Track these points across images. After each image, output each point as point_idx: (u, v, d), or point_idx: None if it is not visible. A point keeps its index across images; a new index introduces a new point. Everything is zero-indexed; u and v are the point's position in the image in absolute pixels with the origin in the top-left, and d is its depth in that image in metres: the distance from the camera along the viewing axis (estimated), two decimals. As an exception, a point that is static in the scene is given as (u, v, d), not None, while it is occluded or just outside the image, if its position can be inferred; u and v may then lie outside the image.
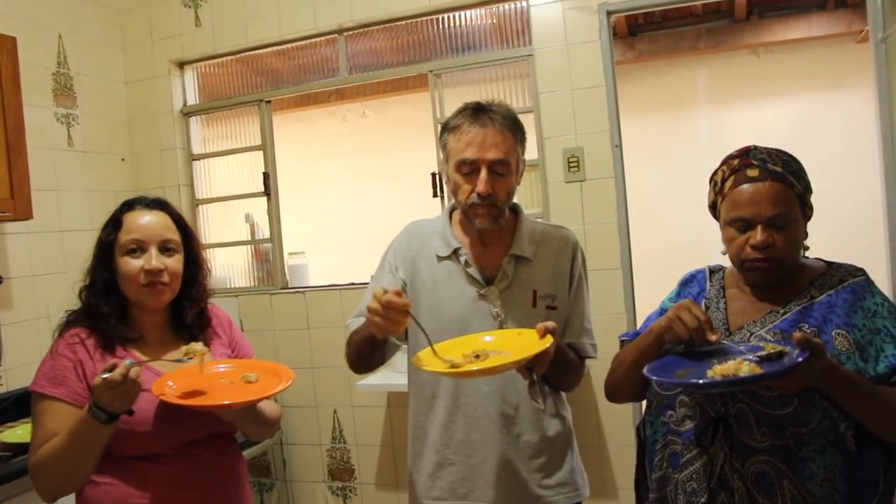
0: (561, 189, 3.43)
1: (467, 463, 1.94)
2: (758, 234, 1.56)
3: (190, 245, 1.90)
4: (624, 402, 1.87)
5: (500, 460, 1.92)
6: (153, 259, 1.77)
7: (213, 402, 1.67)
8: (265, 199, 4.05)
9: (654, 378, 1.51)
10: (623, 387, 1.80)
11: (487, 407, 1.93)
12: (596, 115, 3.37)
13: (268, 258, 4.11)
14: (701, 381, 1.41)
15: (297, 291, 3.95)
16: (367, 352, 1.92)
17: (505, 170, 1.87)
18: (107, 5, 4.05)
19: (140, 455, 1.72)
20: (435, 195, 3.69)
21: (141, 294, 1.78)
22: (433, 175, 3.68)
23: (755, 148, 1.65)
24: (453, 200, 2.00)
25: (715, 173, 1.71)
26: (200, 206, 4.20)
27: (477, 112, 1.90)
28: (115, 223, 1.82)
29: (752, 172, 1.59)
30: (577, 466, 2.05)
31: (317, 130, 5.98)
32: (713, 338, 1.52)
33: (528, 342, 1.67)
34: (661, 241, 4.83)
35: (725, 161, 1.69)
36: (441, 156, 2.01)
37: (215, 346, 1.94)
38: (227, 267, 4.22)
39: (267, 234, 4.08)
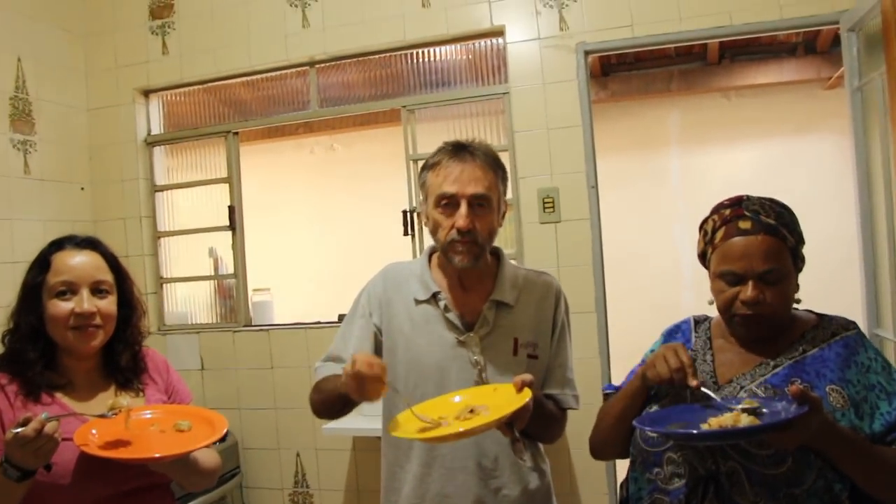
0: (535, 230, 3.38)
1: None
2: (748, 290, 1.50)
3: (123, 285, 1.81)
4: (610, 459, 1.79)
5: None
6: (84, 301, 1.68)
7: (139, 454, 1.56)
8: (230, 233, 3.95)
9: (645, 428, 1.46)
10: (610, 440, 1.71)
11: (464, 459, 1.83)
12: (572, 155, 3.33)
13: (231, 294, 4.00)
14: (696, 432, 1.36)
15: (261, 329, 3.84)
16: (337, 406, 1.83)
17: (486, 204, 1.81)
18: (70, 29, 3.95)
19: None
20: (406, 233, 3.61)
21: (70, 338, 1.68)
22: (404, 213, 3.60)
23: (748, 198, 1.60)
24: (432, 242, 1.94)
25: (705, 222, 1.66)
26: (162, 239, 4.07)
27: (457, 149, 1.85)
28: (42, 264, 1.73)
29: (745, 224, 1.54)
30: None
31: (283, 163, 5.89)
32: (693, 382, 1.47)
33: (505, 398, 1.59)
34: (631, 282, 4.81)
35: (716, 210, 1.64)
36: (420, 196, 1.95)
37: (150, 392, 1.84)
38: (189, 302, 4.09)
39: (231, 270, 3.97)
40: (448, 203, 1.81)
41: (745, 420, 1.32)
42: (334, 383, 1.76)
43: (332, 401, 1.81)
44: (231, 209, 3.92)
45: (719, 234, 1.58)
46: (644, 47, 3.36)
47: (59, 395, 1.69)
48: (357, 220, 5.59)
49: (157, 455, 1.56)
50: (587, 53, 3.33)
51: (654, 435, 1.54)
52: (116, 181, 4.01)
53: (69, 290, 1.69)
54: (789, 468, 1.39)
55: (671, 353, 1.52)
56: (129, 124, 4.01)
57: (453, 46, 3.63)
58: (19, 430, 1.41)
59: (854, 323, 1.59)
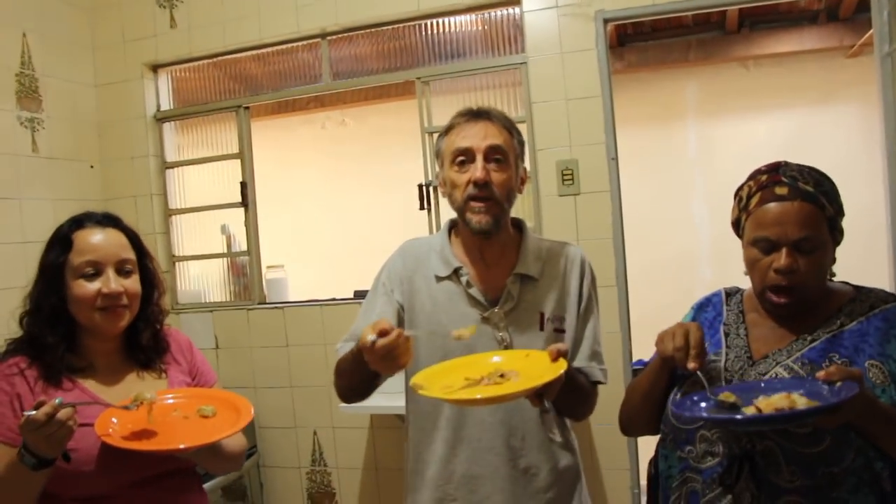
0: (554, 203, 3.31)
1: (470, 499, 1.79)
2: (782, 258, 1.45)
3: (144, 263, 1.77)
4: (640, 435, 1.73)
5: (505, 496, 1.77)
6: (111, 281, 1.64)
7: (162, 445, 1.53)
8: (242, 209, 3.89)
9: (685, 414, 1.40)
10: (639, 417, 1.67)
11: (492, 439, 1.78)
12: (591, 127, 3.25)
13: (245, 272, 3.95)
14: (753, 416, 1.29)
15: (276, 307, 3.79)
16: (367, 385, 1.77)
17: (502, 158, 1.76)
18: (76, 3, 3.87)
19: (83, 497, 1.57)
20: (422, 207, 3.55)
21: (97, 319, 1.64)
22: (420, 187, 3.54)
23: (786, 164, 1.55)
24: (450, 217, 1.88)
25: (741, 188, 1.60)
26: (174, 217, 4.02)
27: (472, 112, 1.82)
28: (63, 243, 1.67)
29: (781, 190, 1.48)
30: (586, 500, 1.92)
31: (294, 139, 5.82)
32: (691, 365, 1.42)
33: (537, 365, 1.52)
34: (648, 257, 4.73)
35: (752, 176, 1.58)
36: (436, 167, 1.89)
37: (173, 373, 1.80)
38: (202, 280, 4.05)
39: (244, 247, 3.92)
40: (464, 159, 1.76)
41: (802, 401, 1.26)
42: (353, 364, 1.70)
43: (359, 380, 1.75)
44: (243, 185, 3.87)
45: (754, 200, 1.52)
46: (665, 14, 3.26)
47: (80, 380, 1.65)
48: (371, 195, 5.53)
49: (180, 446, 1.53)
50: (606, 21, 3.24)
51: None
52: (126, 158, 3.96)
53: (95, 269, 1.64)
54: (828, 446, 1.35)
55: (680, 332, 1.47)
56: (138, 100, 3.94)
57: (468, 16, 3.55)
58: (31, 413, 1.38)
59: (893, 295, 1.53)
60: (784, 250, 1.45)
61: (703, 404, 1.41)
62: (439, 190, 1.92)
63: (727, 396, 1.36)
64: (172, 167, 4.03)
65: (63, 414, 1.39)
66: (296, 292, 4.02)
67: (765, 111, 5.04)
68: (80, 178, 3.84)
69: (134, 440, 1.51)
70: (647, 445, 1.76)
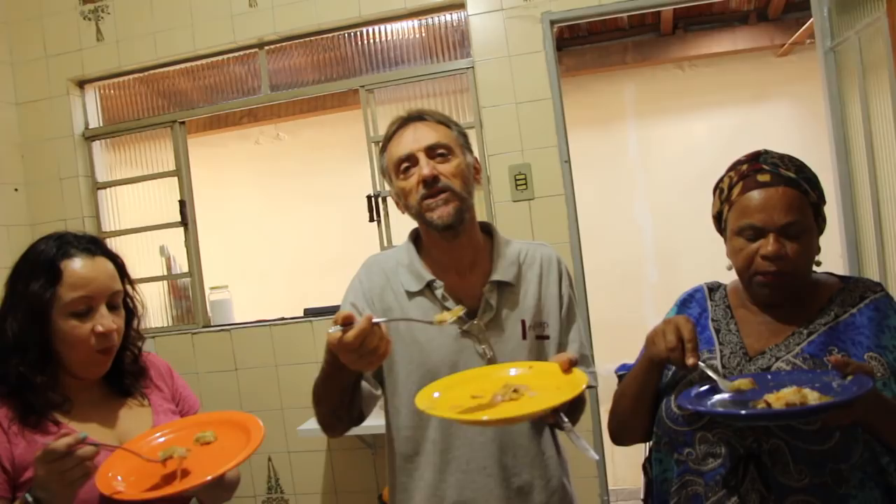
0: (508, 208, 3.27)
1: None
2: (769, 244, 1.42)
3: (125, 288, 1.62)
4: (633, 443, 1.67)
5: None
6: (106, 319, 1.50)
7: (188, 484, 1.37)
8: (182, 229, 3.74)
9: (699, 409, 1.33)
10: (631, 423, 1.60)
11: (483, 459, 1.68)
12: (543, 130, 3.23)
13: (187, 294, 3.79)
14: (769, 412, 1.23)
15: (222, 329, 3.64)
16: (345, 399, 1.62)
17: (445, 151, 1.67)
18: (-8, 18, 3.66)
19: None
20: (372, 220, 3.45)
21: (89, 362, 1.52)
22: (369, 198, 3.44)
23: (766, 152, 1.52)
24: (404, 226, 1.81)
25: (721, 181, 1.57)
26: (109, 240, 3.80)
27: (407, 119, 1.73)
28: (50, 273, 1.49)
29: (763, 177, 1.46)
30: None
31: (227, 155, 5.66)
32: (690, 361, 1.37)
33: (547, 377, 1.44)
34: (595, 258, 4.72)
35: (733, 167, 1.55)
36: (386, 180, 1.79)
37: (156, 400, 1.67)
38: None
39: (185, 268, 3.77)
40: (408, 165, 1.67)
41: (813, 397, 1.21)
42: (328, 378, 1.56)
43: (336, 396, 1.60)
44: (182, 203, 3.71)
45: (736, 190, 1.49)
46: (610, 15, 3.26)
47: (58, 417, 1.51)
48: (312, 210, 5.41)
49: (208, 478, 1.38)
50: (553, 23, 3.23)
51: (684, 412, 1.44)
52: (54, 180, 3.76)
53: (87, 306, 1.49)
54: (836, 443, 1.32)
55: (670, 329, 1.42)
56: (64, 118, 3.75)
57: (409, 23, 3.49)
58: (52, 443, 1.27)
59: (880, 284, 1.52)
60: (771, 236, 1.42)
61: (710, 399, 1.36)
62: (397, 206, 1.81)
63: (743, 384, 1.33)
64: (104, 188, 3.85)
65: (85, 451, 1.28)
66: (242, 313, 3.87)
67: (701, 110, 5.13)
68: (4, 202, 3.64)
69: (150, 491, 1.37)
70: (615, 452, 1.69)
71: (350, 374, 1.51)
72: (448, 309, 1.67)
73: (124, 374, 1.63)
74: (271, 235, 5.53)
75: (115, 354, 1.57)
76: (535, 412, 1.32)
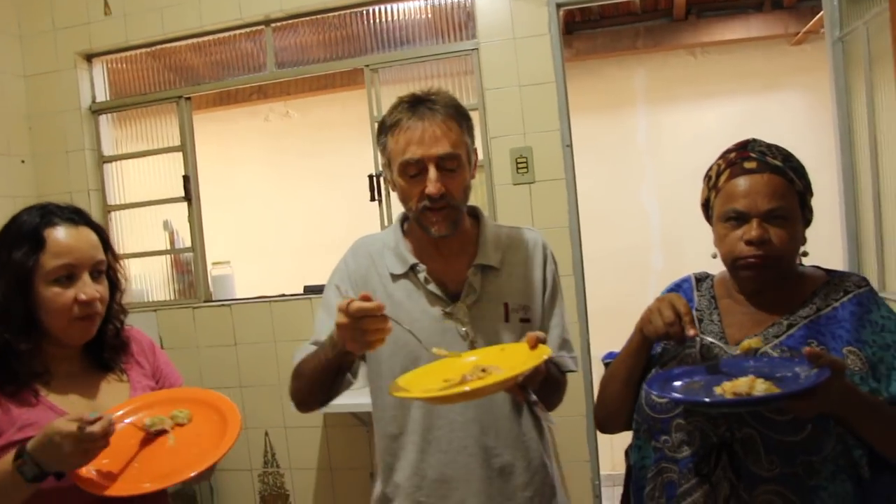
0: (508, 191, 3.27)
1: None
2: (753, 229, 1.43)
3: (109, 260, 1.62)
4: (621, 430, 1.67)
5: (481, 499, 1.70)
6: (88, 287, 1.51)
7: (164, 482, 1.41)
8: (185, 204, 3.77)
9: (653, 392, 1.39)
10: (619, 408, 1.61)
11: (464, 439, 1.70)
12: (545, 114, 3.22)
13: (189, 269, 3.83)
14: (708, 399, 1.29)
15: (223, 304, 3.68)
16: (328, 380, 1.64)
17: (455, 164, 1.64)
18: (1, -10, 3.69)
19: None
20: (373, 199, 3.46)
21: (71, 329, 1.52)
22: (370, 178, 3.45)
23: (754, 140, 1.53)
24: (403, 209, 1.78)
25: (710, 169, 1.58)
26: (113, 213, 3.88)
27: (414, 105, 1.66)
28: (33, 241, 1.49)
29: (750, 164, 1.47)
30: (562, 498, 1.85)
31: (236, 132, 5.67)
32: (691, 332, 1.39)
33: (515, 356, 1.45)
34: (600, 244, 4.72)
35: (722, 155, 1.56)
36: (381, 160, 1.78)
37: (135, 376, 1.67)
38: (145, 279, 3.92)
39: (188, 243, 3.80)
40: (416, 171, 1.64)
41: (761, 387, 1.24)
42: (315, 357, 1.61)
43: (319, 375, 1.63)
44: (186, 179, 3.74)
45: (724, 177, 1.51)
46: (611, 0, 3.24)
47: (41, 389, 1.53)
48: (318, 188, 5.42)
49: (192, 474, 1.42)
50: (559, 6, 3.22)
51: (662, 400, 1.46)
52: (60, 153, 3.80)
53: (69, 274, 1.50)
54: (808, 435, 1.33)
55: (666, 305, 1.44)
56: (72, 91, 3.78)
57: (416, 3, 3.47)
58: (91, 428, 1.30)
59: (866, 280, 1.52)
60: (754, 221, 1.43)
61: (675, 384, 1.39)
62: (390, 188, 1.81)
63: (753, 343, 1.39)
64: (110, 161, 3.87)
65: (112, 430, 1.34)
66: (243, 289, 3.91)
67: (712, 98, 5.07)
68: (11, 174, 3.68)
69: (119, 474, 1.40)
70: (606, 436, 1.71)
71: (343, 357, 1.54)
72: (430, 291, 1.71)
73: (105, 347, 1.63)
74: (278, 212, 5.55)
75: (98, 324, 1.57)
76: (493, 383, 1.34)
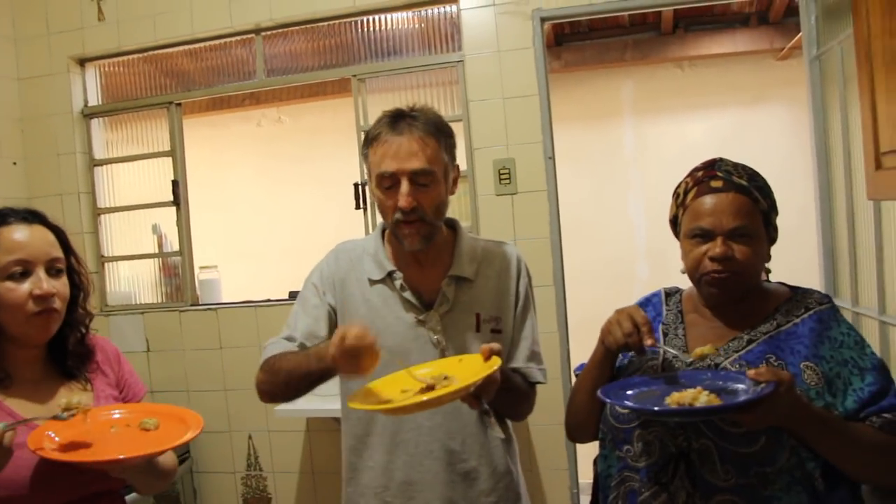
0: (491, 202, 3.31)
1: None
2: (717, 246, 1.48)
3: (70, 263, 1.63)
4: (588, 440, 1.71)
5: (444, 502, 1.76)
6: (43, 282, 1.50)
7: (105, 455, 1.41)
8: (174, 208, 3.80)
9: (606, 400, 1.43)
10: (585, 418, 1.66)
11: (430, 443, 1.76)
12: (528, 126, 3.26)
13: (177, 272, 3.86)
14: (656, 409, 1.35)
15: (209, 308, 3.71)
16: (304, 387, 1.71)
17: (429, 180, 1.70)
18: (-4, -6, 3.73)
19: None
20: (358, 207, 3.51)
21: (29, 326, 1.51)
22: (356, 186, 3.50)
23: (721, 160, 1.59)
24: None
25: (678, 186, 1.63)
26: (103, 216, 3.90)
27: (396, 119, 1.72)
28: None
29: (716, 183, 1.52)
30: (526, 501, 1.92)
31: (229, 136, 5.71)
32: (648, 342, 1.46)
33: (471, 367, 1.51)
34: (585, 255, 4.77)
35: (690, 173, 1.61)
36: (366, 171, 1.83)
37: (99, 385, 1.68)
38: (133, 282, 3.94)
39: (176, 247, 3.83)
40: (390, 184, 1.70)
41: (704, 399, 1.29)
42: (296, 361, 1.67)
43: (296, 380, 1.69)
44: (175, 184, 3.77)
45: (691, 195, 1.56)
46: (600, 14, 3.29)
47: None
48: (306, 194, 5.46)
49: (121, 457, 1.42)
50: (543, 20, 3.25)
51: (624, 411, 1.51)
52: (52, 155, 3.82)
53: (24, 269, 1.50)
54: (762, 447, 1.37)
55: (625, 317, 1.50)
56: (64, 95, 3.81)
57: (405, 14, 3.52)
58: None
59: (828, 297, 1.57)
60: (719, 239, 1.48)
61: (628, 392, 1.44)
62: (371, 198, 1.87)
63: (705, 350, 1.44)
64: (101, 164, 3.90)
65: (8, 438, 1.29)
66: (229, 293, 3.94)
67: (699, 111, 5.13)
68: (2, 176, 3.71)
69: (74, 453, 1.40)
70: (586, 446, 1.76)
71: (328, 372, 1.60)
72: (405, 298, 1.77)
73: (68, 355, 1.63)
74: (268, 217, 5.58)
75: (58, 323, 1.57)
76: (445, 393, 1.40)
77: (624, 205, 5.23)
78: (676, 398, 1.32)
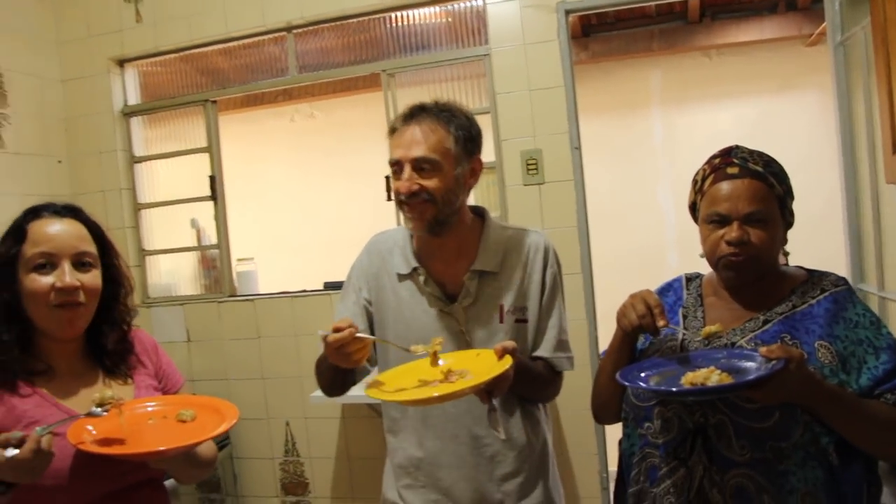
0: (519, 192, 3.37)
1: (437, 486, 1.85)
2: (733, 230, 1.53)
3: (108, 258, 1.63)
4: (613, 422, 1.77)
5: (471, 483, 1.83)
6: (66, 275, 1.50)
7: (145, 447, 1.43)
8: (212, 203, 3.91)
9: (624, 382, 1.49)
10: (608, 400, 1.72)
11: (456, 428, 1.84)
12: (555, 117, 3.31)
13: (215, 265, 3.97)
14: (673, 389, 1.41)
15: (246, 299, 3.82)
16: (338, 380, 1.85)
17: (431, 167, 1.75)
18: (39, -2, 3.85)
19: None
20: (389, 199, 3.58)
21: (52, 318, 1.51)
22: (387, 178, 3.57)
23: (737, 147, 1.63)
24: None
25: (697, 173, 1.68)
26: (143, 211, 4.03)
27: (412, 111, 1.80)
28: (17, 234, 1.53)
29: (732, 170, 1.57)
30: (555, 484, 1.97)
31: (263, 132, 5.83)
32: (660, 323, 1.51)
33: (487, 364, 1.58)
34: (615, 243, 4.81)
35: (708, 161, 1.66)
36: None
37: (140, 377, 1.69)
38: (173, 274, 4.07)
39: (214, 240, 3.94)
40: (397, 169, 1.78)
41: (715, 378, 1.35)
42: (326, 362, 1.77)
43: (331, 377, 1.84)
44: (212, 179, 3.88)
45: (708, 181, 1.61)
46: (622, 6, 3.34)
47: (39, 385, 1.53)
48: (340, 187, 5.55)
49: (161, 448, 1.42)
50: (567, 13, 3.30)
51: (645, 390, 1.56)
52: (94, 153, 3.96)
53: (49, 262, 1.50)
54: (776, 422, 1.41)
55: (638, 300, 1.56)
56: (105, 95, 3.94)
57: (432, 8, 3.58)
58: (14, 452, 1.26)
59: (844, 279, 1.61)
60: (735, 223, 1.53)
61: (642, 374, 1.50)
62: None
63: (713, 328, 1.52)
64: (141, 161, 4.03)
65: (45, 443, 1.29)
66: (266, 284, 4.05)
67: (727, 99, 5.13)
68: (48, 173, 3.84)
69: (113, 447, 1.40)
70: (615, 429, 1.81)
71: (343, 369, 1.70)
72: (430, 292, 1.84)
73: (108, 353, 1.64)
74: (302, 210, 5.68)
75: (87, 317, 1.57)
76: (457, 390, 1.49)
77: (653, 193, 5.25)
78: (690, 378, 1.37)
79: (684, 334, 1.61)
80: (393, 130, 1.82)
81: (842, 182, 3.08)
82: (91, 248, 1.58)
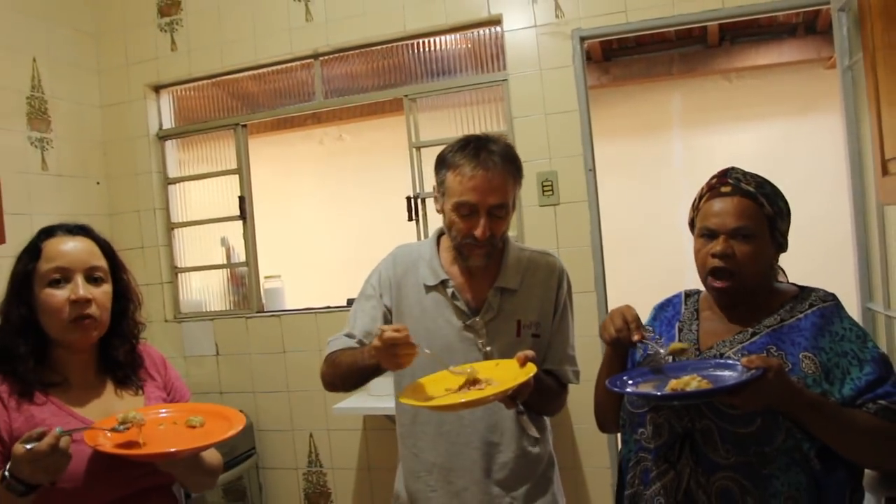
0: (535, 212, 3.46)
1: (448, 490, 1.95)
2: (718, 244, 1.61)
3: (118, 275, 1.71)
4: (614, 430, 1.85)
5: (481, 488, 1.93)
6: (80, 288, 1.58)
7: (157, 448, 1.50)
8: (241, 222, 4.05)
9: (613, 388, 1.56)
10: (606, 410, 1.82)
11: (470, 435, 1.93)
12: (570, 140, 3.40)
13: (243, 282, 4.10)
14: (658, 393, 1.49)
15: (273, 315, 3.94)
16: (357, 379, 1.91)
17: (503, 213, 1.88)
18: (82, 29, 4.05)
19: None
20: (410, 219, 3.70)
21: (67, 330, 1.58)
22: (408, 199, 3.70)
23: (733, 169, 1.71)
24: (440, 226, 2.01)
25: (697, 193, 1.77)
26: (176, 230, 4.18)
27: (478, 152, 1.86)
28: (32, 252, 1.62)
29: (725, 189, 1.65)
30: (559, 490, 2.06)
31: (293, 154, 5.99)
32: (636, 337, 1.61)
33: (507, 372, 1.68)
34: (635, 264, 4.87)
35: (707, 181, 1.75)
36: (437, 189, 1.97)
37: (150, 389, 1.76)
38: (203, 290, 4.20)
39: (243, 258, 4.07)
40: (468, 212, 1.85)
41: (695, 384, 1.43)
42: (353, 357, 1.86)
43: (353, 374, 1.88)
44: (241, 199, 4.02)
45: (703, 199, 1.70)
46: (637, 32, 3.42)
47: (53, 395, 1.59)
48: (365, 207, 5.68)
49: (173, 450, 1.50)
50: (582, 39, 3.39)
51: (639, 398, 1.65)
52: (130, 175, 4.12)
53: (63, 277, 1.58)
54: (759, 427, 1.47)
55: (617, 315, 1.65)
56: (141, 119, 4.10)
57: (453, 36, 3.70)
58: (32, 445, 1.32)
59: (833, 295, 1.67)
60: (721, 237, 1.62)
61: (630, 381, 1.59)
62: (435, 204, 1.98)
63: (679, 346, 1.60)
64: (174, 182, 4.18)
65: (64, 443, 1.34)
66: (292, 301, 4.17)
67: (747, 122, 5.16)
68: (87, 194, 4.01)
69: (128, 449, 1.48)
70: None
71: (378, 368, 1.78)
72: (456, 305, 1.94)
73: (119, 365, 1.71)
74: (329, 229, 5.81)
75: (100, 329, 1.64)
76: (485, 396, 1.59)
77: (674, 215, 5.26)
78: (673, 384, 1.46)
79: (650, 346, 1.69)
80: (454, 167, 1.87)
81: (850, 203, 3.13)
82: (102, 262, 1.66)
